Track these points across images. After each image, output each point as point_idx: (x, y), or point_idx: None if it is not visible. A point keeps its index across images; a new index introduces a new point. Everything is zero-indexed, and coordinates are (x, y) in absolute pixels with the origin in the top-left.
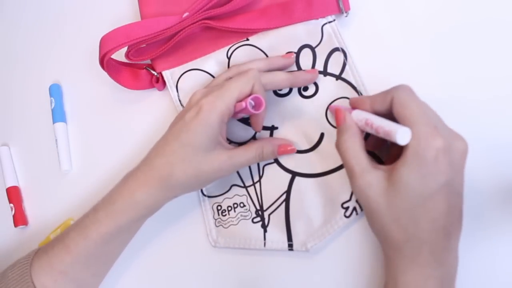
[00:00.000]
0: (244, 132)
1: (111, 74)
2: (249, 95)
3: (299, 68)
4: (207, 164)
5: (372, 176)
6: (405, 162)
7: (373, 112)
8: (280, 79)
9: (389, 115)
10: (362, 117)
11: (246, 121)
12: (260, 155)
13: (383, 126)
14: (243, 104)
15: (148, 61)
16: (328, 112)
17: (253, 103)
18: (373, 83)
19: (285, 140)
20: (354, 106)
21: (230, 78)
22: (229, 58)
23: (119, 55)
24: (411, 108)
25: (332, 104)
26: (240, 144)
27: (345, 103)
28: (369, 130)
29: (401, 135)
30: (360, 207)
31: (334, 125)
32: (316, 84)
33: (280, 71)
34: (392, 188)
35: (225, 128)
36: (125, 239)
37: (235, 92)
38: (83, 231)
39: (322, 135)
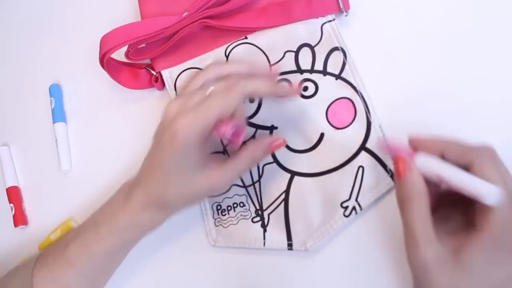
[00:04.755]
0: None
1: (111, 74)
2: (229, 116)
3: (298, 67)
4: (198, 185)
5: (437, 251)
6: (478, 244)
7: (441, 156)
8: (262, 88)
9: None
10: (433, 170)
11: (245, 120)
12: (253, 161)
13: (464, 188)
14: (221, 130)
15: (148, 61)
16: (375, 145)
17: (231, 131)
18: (373, 83)
19: (272, 136)
20: (416, 145)
21: (209, 79)
22: (227, 57)
23: (119, 55)
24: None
25: (384, 141)
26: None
27: (347, 105)
28: (442, 184)
29: (491, 197)
30: (360, 206)
31: (334, 125)
32: (316, 84)
33: (264, 78)
34: (459, 269)
35: (208, 144)
36: (126, 252)
37: (216, 113)
38: (84, 247)
39: (322, 135)
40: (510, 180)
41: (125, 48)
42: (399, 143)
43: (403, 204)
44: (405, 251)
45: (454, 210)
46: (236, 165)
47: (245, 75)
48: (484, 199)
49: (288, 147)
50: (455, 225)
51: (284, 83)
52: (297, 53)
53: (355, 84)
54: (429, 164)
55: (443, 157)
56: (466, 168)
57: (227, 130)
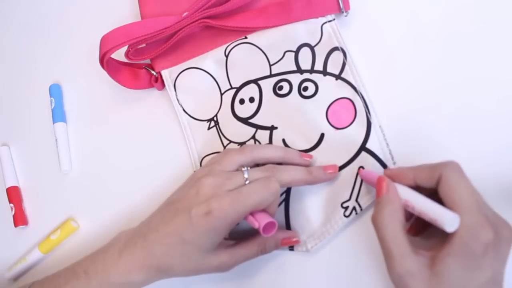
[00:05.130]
0: (243, 131)
1: (111, 74)
2: (263, 209)
3: (298, 67)
4: (206, 263)
5: (413, 263)
6: (451, 253)
7: (415, 186)
8: (298, 179)
9: (433, 190)
10: (402, 197)
11: (245, 120)
12: (263, 250)
13: (427, 213)
14: (256, 224)
15: (148, 61)
16: (359, 174)
17: (263, 225)
18: (372, 83)
19: (288, 232)
20: (392, 178)
21: (242, 167)
22: (226, 56)
23: (119, 55)
24: (461, 192)
25: (365, 170)
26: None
27: (347, 105)
28: (410, 210)
29: (449, 223)
30: (360, 206)
31: (335, 125)
32: (316, 84)
33: (298, 167)
34: (435, 278)
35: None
36: None
37: (252, 205)
38: None
39: (322, 135)
40: (475, 189)
41: (125, 48)
42: (373, 171)
43: (378, 221)
44: (385, 264)
45: (438, 229)
46: (246, 250)
47: (280, 162)
48: (444, 225)
49: (288, 147)
50: (435, 240)
51: (319, 166)
52: (297, 53)
53: (355, 84)
54: (400, 191)
55: (417, 184)
56: (437, 184)
57: (261, 224)
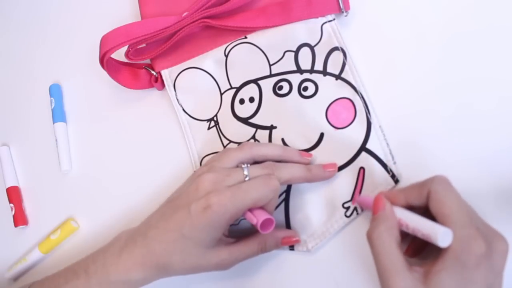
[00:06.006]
0: (243, 131)
1: (111, 74)
2: (261, 207)
3: (298, 67)
4: (206, 259)
5: (408, 280)
6: (444, 267)
7: (408, 206)
8: (297, 177)
9: (425, 208)
10: (396, 216)
11: (245, 120)
12: (263, 249)
13: (420, 229)
14: (254, 220)
15: (148, 61)
16: (356, 199)
17: (261, 222)
18: (373, 83)
19: (288, 231)
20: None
21: (242, 164)
22: (226, 56)
23: (119, 55)
24: (451, 205)
25: (360, 197)
26: (239, 143)
27: (347, 104)
28: (404, 229)
29: (442, 237)
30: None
31: (334, 125)
32: (315, 84)
33: (297, 165)
34: None
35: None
36: None
37: (251, 201)
38: None
39: (321, 135)
40: (464, 201)
41: (125, 48)
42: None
43: (373, 237)
44: (379, 280)
45: (434, 249)
46: (246, 248)
47: (279, 159)
48: (437, 240)
49: (287, 146)
50: (431, 258)
51: (318, 164)
52: (296, 53)
53: (355, 85)
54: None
55: (409, 203)
56: (427, 200)
57: (259, 221)
